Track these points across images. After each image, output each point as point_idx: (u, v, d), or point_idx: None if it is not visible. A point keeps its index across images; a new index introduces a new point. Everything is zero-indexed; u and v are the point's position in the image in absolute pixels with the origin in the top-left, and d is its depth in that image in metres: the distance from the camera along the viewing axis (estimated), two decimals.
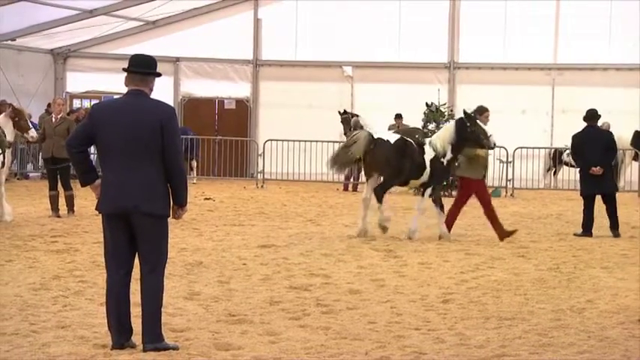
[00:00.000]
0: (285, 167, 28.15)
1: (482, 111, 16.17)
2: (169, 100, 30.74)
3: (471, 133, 15.35)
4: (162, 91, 32.06)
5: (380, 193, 15.71)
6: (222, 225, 17.37)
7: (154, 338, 7.67)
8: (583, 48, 28.58)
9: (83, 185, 7.89)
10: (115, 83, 30.63)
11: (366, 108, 28.91)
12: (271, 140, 28.17)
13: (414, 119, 27.22)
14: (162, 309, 7.79)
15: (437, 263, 13.15)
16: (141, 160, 7.56)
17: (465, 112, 15.61)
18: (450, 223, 15.73)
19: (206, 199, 22.77)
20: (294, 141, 28.02)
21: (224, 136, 29.93)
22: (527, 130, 27.47)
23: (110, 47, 30.85)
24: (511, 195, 25.97)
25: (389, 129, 28.20)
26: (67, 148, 7.86)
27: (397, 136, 16.11)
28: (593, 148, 16.25)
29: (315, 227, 17.36)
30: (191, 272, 11.97)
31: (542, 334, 8.82)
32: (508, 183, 26.45)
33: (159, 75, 7.91)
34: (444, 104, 26.45)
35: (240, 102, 31.44)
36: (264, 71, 31.32)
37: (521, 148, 26.49)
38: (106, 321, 7.87)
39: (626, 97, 26.98)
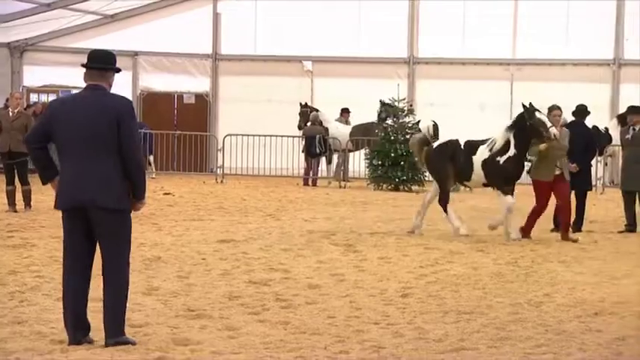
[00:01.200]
0: (245, 162, 28.12)
1: (550, 109, 16.26)
2: (128, 94, 30.54)
3: (530, 126, 14.95)
4: (120, 85, 31.80)
5: (442, 204, 15.75)
6: (181, 220, 17.30)
7: (115, 333, 7.64)
8: (541, 44, 28.79)
9: (44, 183, 7.87)
10: (73, 77, 30.38)
11: (326, 102, 28.93)
12: (231, 135, 28.11)
13: (375, 114, 27.36)
14: (126, 304, 7.78)
15: (396, 258, 13.19)
16: (98, 155, 7.52)
17: (523, 105, 15.24)
18: (526, 229, 15.22)
19: (165, 193, 22.68)
20: (253, 136, 27.98)
21: (183, 130, 29.82)
22: (486, 124, 27.58)
23: (68, 41, 30.58)
24: (469, 189, 26.05)
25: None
26: (26, 145, 7.85)
27: (441, 140, 16.26)
28: (575, 144, 16.35)
29: (275, 222, 17.35)
30: (150, 267, 11.91)
31: (500, 327, 8.88)
32: None
33: (118, 70, 7.88)
34: (404, 99, 26.56)
35: (199, 97, 31.32)
36: (223, 66, 31.23)
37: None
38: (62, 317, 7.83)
39: (584, 93, 27.14)
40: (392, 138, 25.44)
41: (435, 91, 29.13)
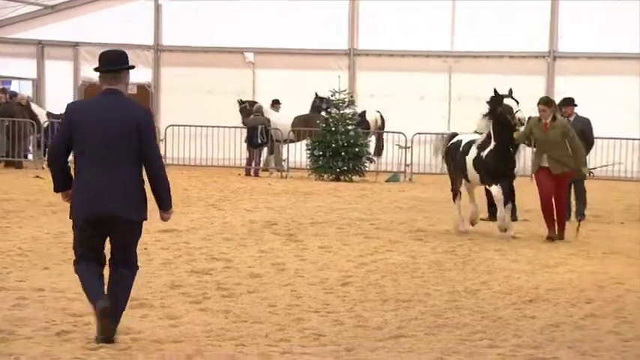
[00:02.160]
0: (187, 152, 28.06)
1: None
2: (69, 85, 30.35)
3: (500, 114, 14.15)
4: (61, 76, 31.71)
5: (452, 196, 15.60)
6: None
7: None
8: (478, 36, 29.05)
9: (57, 191, 7.65)
10: (14, 68, 30.20)
11: (268, 94, 28.95)
12: (173, 126, 28.02)
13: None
14: (124, 307, 7.74)
15: (337, 247, 13.29)
16: (119, 166, 7.33)
17: (494, 91, 14.33)
18: (549, 230, 14.37)
19: None
20: (195, 126, 27.92)
21: None
22: (425, 116, 27.86)
23: (8, 31, 30.25)
24: (409, 180, 26.34)
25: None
26: (51, 156, 7.60)
27: (457, 139, 15.29)
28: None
29: (217, 212, 17.36)
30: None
31: (438, 315, 9.01)
32: (407, 168, 26.81)
33: (131, 67, 7.71)
34: (344, 90, 26.66)
35: (141, 87, 31.13)
36: (165, 57, 31.09)
37: (420, 133, 26.85)
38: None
39: (520, 85, 27.45)
40: (333, 129, 25.55)
41: (375, 83, 29.31)
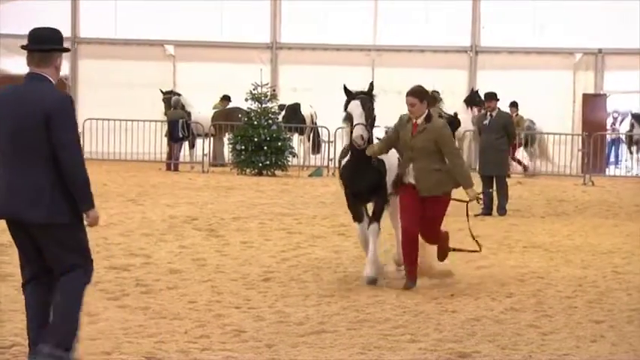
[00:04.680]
0: (106, 147, 27.70)
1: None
2: None
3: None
4: None
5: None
6: None
7: (51, 342, 6.69)
8: (401, 30, 29.23)
9: None
10: None
11: (189, 87, 28.74)
12: (91, 119, 27.63)
13: (238, 99, 27.32)
14: (73, 322, 6.88)
15: (259, 242, 13.22)
16: (26, 163, 6.51)
17: (345, 89, 10.64)
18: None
19: None
20: (114, 120, 27.58)
21: None
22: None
23: None
24: (332, 174, 26.32)
25: (214, 108, 28.20)
26: None
27: None
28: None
29: (136, 207, 17.14)
30: (4, 253, 11.59)
31: (360, 310, 9.02)
32: (330, 162, 26.82)
33: (66, 50, 7.03)
34: (267, 84, 26.57)
35: (58, 80, 30.60)
36: (82, 49, 30.63)
37: (342, 128, 26.80)
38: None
39: (443, 79, 27.70)
40: (255, 123, 25.43)
41: (297, 76, 29.27)
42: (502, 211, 17.05)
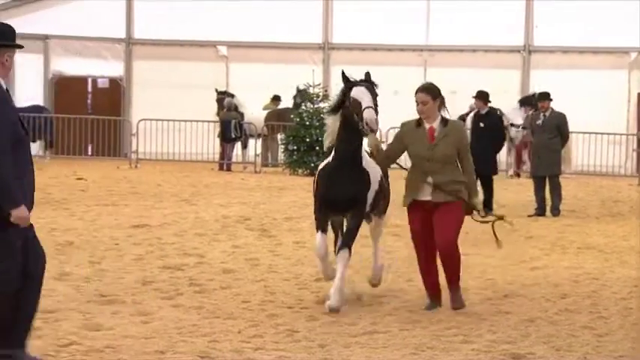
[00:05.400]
0: (160, 147, 27.87)
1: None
2: (39, 79, 30.04)
3: (346, 110, 9.08)
4: (31, 69, 31.35)
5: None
6: (93, 205, 17.08)
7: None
8: (454, 30, 29.04)
9: None
10: None
11: (242, 88, 28.80)
12: (145, 120, 27.84)
13: (290, 100, 27.39)
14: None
15: (311, 242, 13.16)
16: None
17: (343, 75, 9.39)
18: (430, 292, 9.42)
19: (78, 178, 22.37)
20: (168, 120, 27.75)
21: (98, 115, 29.43)
22: (400, 111, 27.69)
23: None
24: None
25: (264, 108, 28.29)
26: None
27: None
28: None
29: (190, 207, 17.24)
30: (61, 252, 11.76)
31: (413, 310, 8.98)
32: None
33: (17, 46, 6.82)
34: (319, 84, 26.57)
35: (113, 81, 30.91)
36: (137, 50, 30.85)
37: (394, 128, 26.72)
38: None
39: (495, 79, 27.52)
40: (307, 123, 25.46)
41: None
42: (556, 211, 16.90)
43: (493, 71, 27.67)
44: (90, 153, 29.49)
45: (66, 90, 30.36)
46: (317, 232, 9.12)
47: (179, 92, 29.49)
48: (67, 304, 8.81)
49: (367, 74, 9.35)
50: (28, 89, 29.24)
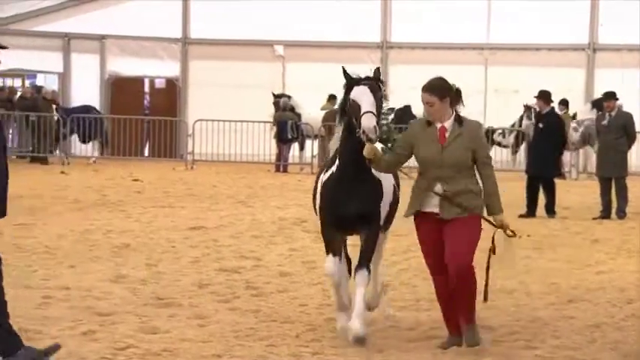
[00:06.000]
0: (216, 148, 27.87)
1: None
2: (95, 79, 30.22)
3: (347, 112, 7.96)
4: (87, 69, 31.52)
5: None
6: (150, 207, 17.10)
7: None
8: (516, 28, 28.62)
9: None
10: (38, 61, 30.10)
11: (298, 88, 28.72)
12: (201, 120, 27.86)
13: None
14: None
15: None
16: None
17: (343, 71, 8.24)
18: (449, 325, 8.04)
19: (134, 180, 22.45)
20: (224, 121, 27.74)
21: (154, 115, 29.55)
22: (460, 109, 27.35)
23: (33, 24, 30.12)
24: None
25: (322, 109, 28.16)
26: None
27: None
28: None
29: (246, 209, 17.19)
30: (118, 255, 11.76)
31: (477, 317, 8.79)
32: None
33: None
34: None
35: (169, 81, 31.01)
36: (193, 50, 30.90)
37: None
38: None
39: (559, 78, 27.13)
40: None
41: (408, 77, 28.80)
42: (621, 214, 16.57)
43: (556, 70, 27.23)
44: (146, 154, 29.64)
45: (122, 90, 30.51)
46: (327, 255, 7.90)
47: (235, 92, 29.48)
48: (124, 307, 8.81)
49: (377, 70, 8.09)
50: (85, 90, 29.50)
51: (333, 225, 7.85)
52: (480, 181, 7.52)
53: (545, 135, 16.60)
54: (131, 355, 7.21)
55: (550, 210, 16.51)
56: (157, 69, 30.87)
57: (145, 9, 29.96)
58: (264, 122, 27.67)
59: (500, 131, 27.03)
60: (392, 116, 26.87)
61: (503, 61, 28.62)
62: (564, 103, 25.06)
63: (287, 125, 26.67)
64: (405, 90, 28.31)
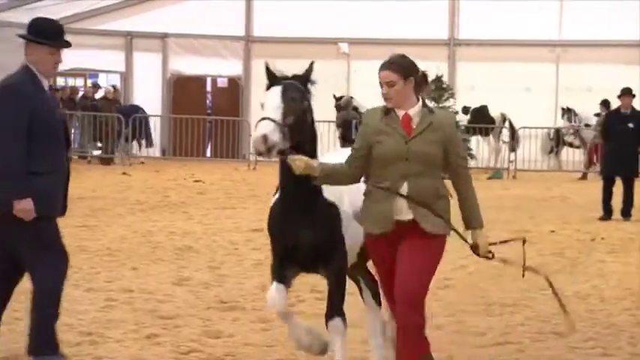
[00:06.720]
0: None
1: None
2: (157, 78, 30.28)
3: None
4: (150, 68, 31.60)
5: None
6: (212, 208, 17.07)
7: (35, 348, 6.58)
8: (588, 24, 28.05)
9: None
10: (100, 60, 30.19)
11: (364, 86, 28.39)
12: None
13: None
14: (50, 319, 6.68)
15: None
16: None
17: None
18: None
19: (196, 181, 22.47)
20: None
21: (216, 115, 29.54)
22: (531, 108, 26.95)
23: (95, 23, 30.28)
24: (513, 177, 25.61)
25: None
26: None
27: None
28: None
29: None
30: (180, 257, 11.74)
31: (546, 321, 8.68)
32: (510, 165, 26.06)
33: (39, 42, 6.79)
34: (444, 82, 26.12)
35: (231, 80, 31.00)
36: (256, 48, 30.82)
37: (525, 127, 26.13)
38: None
39: (634, 75, 26.55)
40: None
41: (477, 73, 28.43)
42: (627, 216, 16.16)
43: (632, 68, 26.65)
44: (208, 154, 29.65)
45: (184, 90, 30.53)
46: (272, 282, 6.52)
47: None
48: (187, 310, 8.77)
49: (310, 66, 6.78)
50: (147, 89, 29.56)
51: (283, 258, 6.47)
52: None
53: (635, 134, 16.17)
54: (194, 359, 7.16)
55: (626, 212, 16.12)
56: (220, 68, 30.84)
57: (207, 7, 29.93)
58: (328, 122, 27.45)
59: (572, 131, 26.53)
60: (468, 116, 26.50)
61: (575, 58, 28.08)
62: (605, 104, 24.20)
63: (352, 125, 26.45)
64: (472, 89, 28.02)
